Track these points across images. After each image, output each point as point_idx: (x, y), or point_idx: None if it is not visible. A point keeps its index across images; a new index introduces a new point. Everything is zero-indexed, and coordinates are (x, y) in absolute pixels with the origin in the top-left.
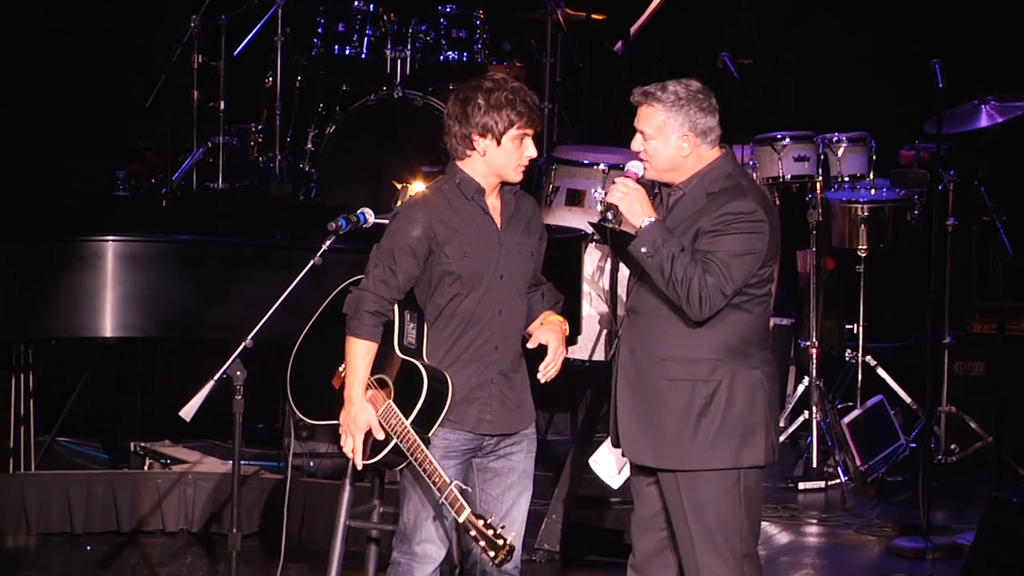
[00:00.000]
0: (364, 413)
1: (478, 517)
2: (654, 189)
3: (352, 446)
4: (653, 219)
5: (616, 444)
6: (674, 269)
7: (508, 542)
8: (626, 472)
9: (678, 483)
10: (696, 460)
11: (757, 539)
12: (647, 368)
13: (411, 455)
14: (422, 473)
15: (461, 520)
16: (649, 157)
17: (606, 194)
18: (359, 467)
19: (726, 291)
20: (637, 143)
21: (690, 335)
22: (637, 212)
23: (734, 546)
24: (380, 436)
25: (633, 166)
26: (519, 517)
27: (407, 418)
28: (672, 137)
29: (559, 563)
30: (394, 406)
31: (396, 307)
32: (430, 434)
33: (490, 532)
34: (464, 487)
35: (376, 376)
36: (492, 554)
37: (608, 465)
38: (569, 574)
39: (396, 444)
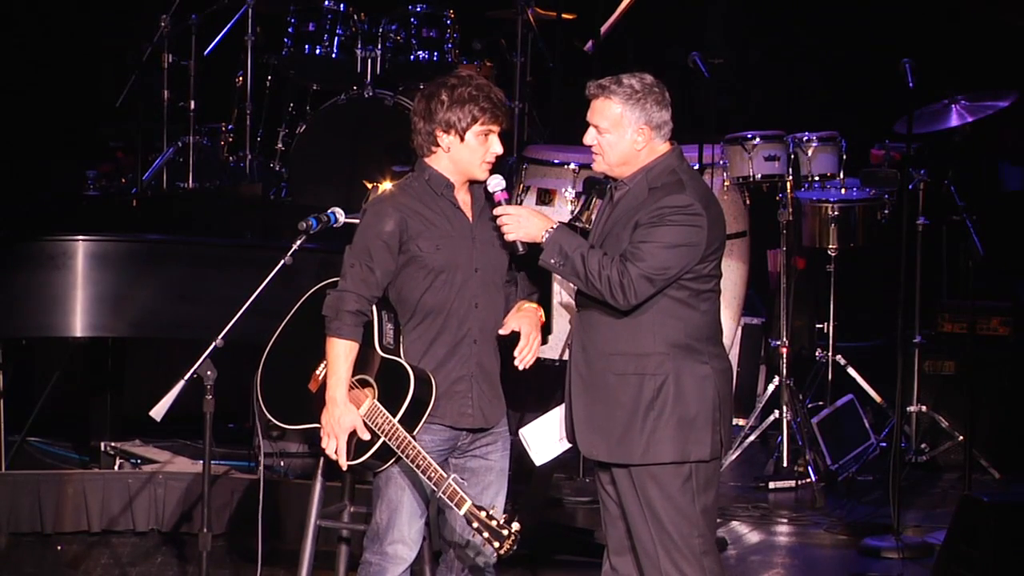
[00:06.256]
0: (348, 415)
1: (479, 509)
2: (608, 184)
3: (335, 448)
4: (552, 229)
5: (571, 439)
6: (588, 267)
7: (513, 531)
8: (552, 452)
9: (631, 479)
10: (643, 453)
11: (714, 534)
12: (597, 363)
13: (402, 452)
14: (416, 470)
15: (462, 513)
16: (603, 151)
17: (503, 235)
18: (344, 468)
19: (652, 278)
20: (590, 137)
21: (637, 329)
22: (533, 230)
23: (692, 543)
24: (365, 436)
25: (493, 184)
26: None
27: (395, 416)
28: (628, 131)
29: (529, 562)
30: (380, 405)
31: (374, 307)
32: (415, 433)
33: (493, 523)
34: (461, 479)
35: (357, 377)
36: (497, 545)
37: (537, 439)
38: (539, 573)
39: (383, 444)
